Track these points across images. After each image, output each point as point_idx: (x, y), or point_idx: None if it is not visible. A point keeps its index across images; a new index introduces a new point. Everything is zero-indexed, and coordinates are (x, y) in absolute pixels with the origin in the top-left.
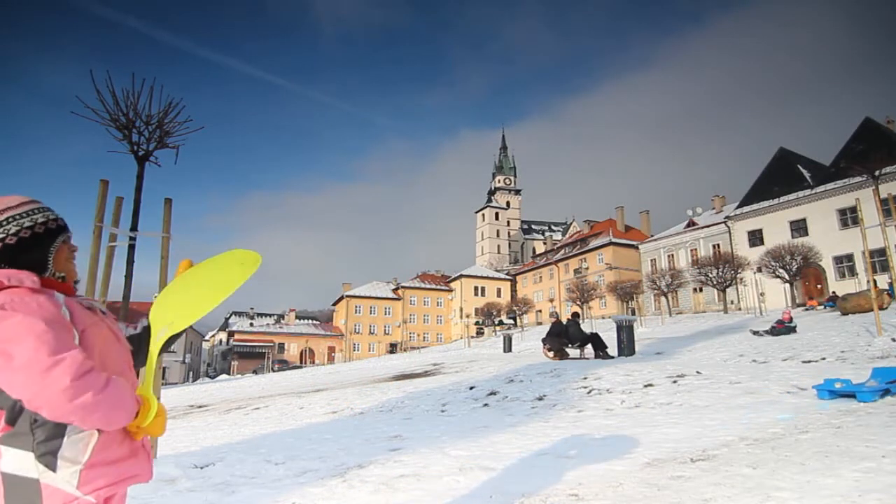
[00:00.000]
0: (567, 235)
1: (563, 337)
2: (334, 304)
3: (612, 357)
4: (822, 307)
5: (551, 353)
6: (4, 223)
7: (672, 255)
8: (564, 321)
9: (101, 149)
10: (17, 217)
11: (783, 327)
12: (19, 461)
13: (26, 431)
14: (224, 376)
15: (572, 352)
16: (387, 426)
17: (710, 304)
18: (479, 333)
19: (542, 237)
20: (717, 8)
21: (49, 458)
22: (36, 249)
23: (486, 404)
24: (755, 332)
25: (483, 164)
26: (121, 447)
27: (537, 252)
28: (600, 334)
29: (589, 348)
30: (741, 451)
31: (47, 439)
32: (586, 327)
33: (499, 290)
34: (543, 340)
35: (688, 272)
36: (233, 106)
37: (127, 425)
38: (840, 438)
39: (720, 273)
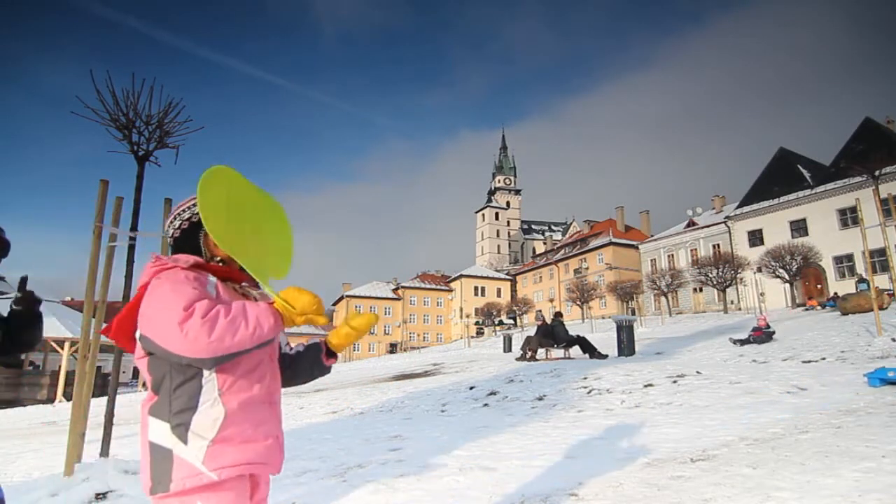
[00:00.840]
0: (567, 235)
1: (550, 338)
2: (334, 304)
3: (606, 356)
4: (822, 307)
5: (528, 355)
6: (174, 220)
7: (672, 255)
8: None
9: (101, 149)
10: (181, 213)
11: (761, 334)
12: (160, 431)
13: (166, 402)
14: None
15: (556, 352)
16: (387, 426)
17: (710, 304)
18: (479, 333)
19: (542, 237)
20: (717, 8)
21: (181, 430)
22: (191, 238)
23: (486, 404)
24: (734, 341)
25: (483, 164)
26: (254, 431)
27: (537, 252)
28: (587, 336)
29: (575, 350)
30: (741, 451)
31: (181, 411)
32: (586, 328)
33: (499, 290)
34: (529, 340)
35: (688, 272)
36: (233, 106)
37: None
38: (840, 438)
39: (720, 273)
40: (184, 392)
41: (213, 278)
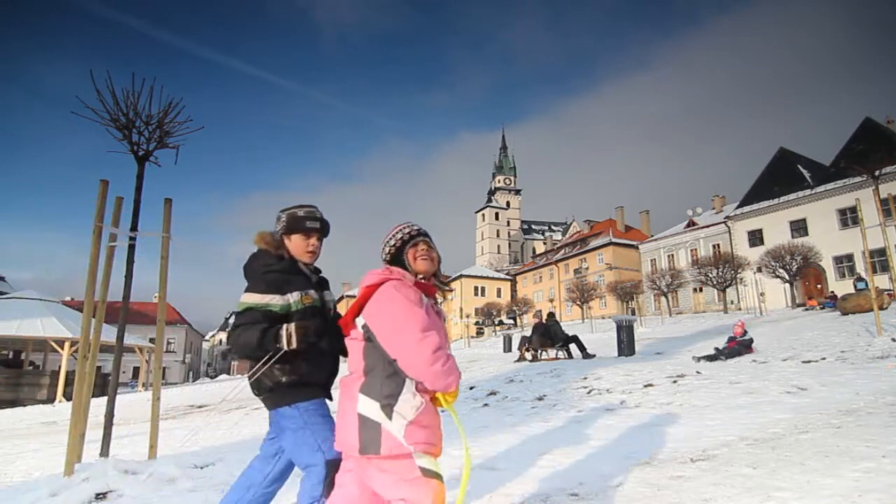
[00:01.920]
0: (567, 235)
1: (547, 337)
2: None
3: (594, 356)
4: (822, 307)
5: (529, 355)
6: (390, 240)
7: (672, 255)
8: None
9: (101, 149)
10: (395, 234)
11: (736, 345)
12: (369, 407)
13: (377, 385)
14: (224, 376)
15: (551, 352)
16: None
17: (710, 304)
18: (479, 333)
19: (542, 237)
20: (717, 8)
21: (388, 409)
22: (398, 258)
23: (486, 404)
24: (698, 359)
25: (483, 164)
26: (433, 419)
27: (537, 252)
28: (586, 336)
29: (575, 350)
30: (741, 451)
31: (389, 395)
32: (586, 328)
33: (499, 290)
34: (525, 340)
35: (688, 272)
36: (233, 106)
37: (444, 393)
38: (840, 438)
39: (720, 273)
40: (392, 381)
41: (424, 297)
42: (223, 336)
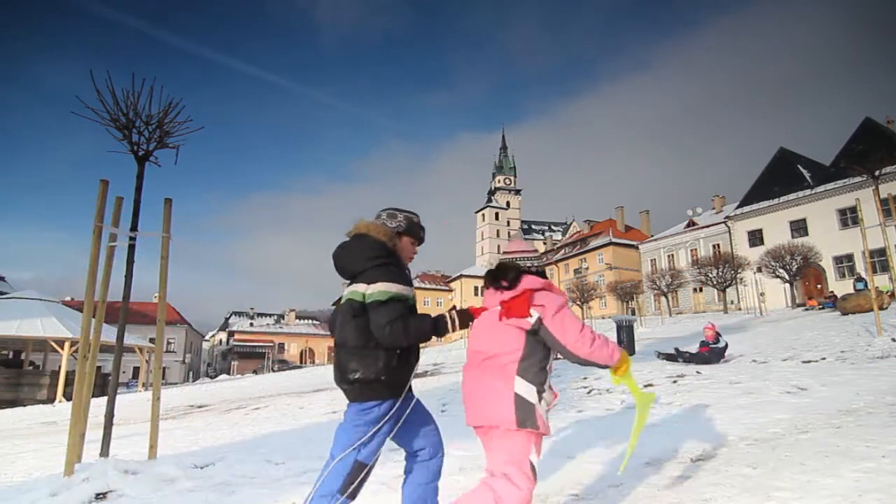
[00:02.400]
0: (567, 235)
1: None
2: (334, 305)
3: None
4: (821, 307)
5: None
6: (521, 260)
7: (672, 255)
8: None
9: (101, 149)
10: (535, 258)
11: (708, 350)
12: (525, 388)
13: (533, 371)
14: (224, 376)
15: None
16: None
17: (710, 304)
18: None
19: (542, 237)
20: (717, 8)
21: (539, 395)
22: (541, 272)
23: None
24: (666, 356)
25: (483, 164)
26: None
27: (537, 252)
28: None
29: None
30: (741, 451)
31: (541, 384)
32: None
33: None
34: None
35: (688, 272)
36: (233, 106)
37: (614, 369)
38: (840, 438)
39: (720, 273)
40: (542, 373)
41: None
42: (223, 336)
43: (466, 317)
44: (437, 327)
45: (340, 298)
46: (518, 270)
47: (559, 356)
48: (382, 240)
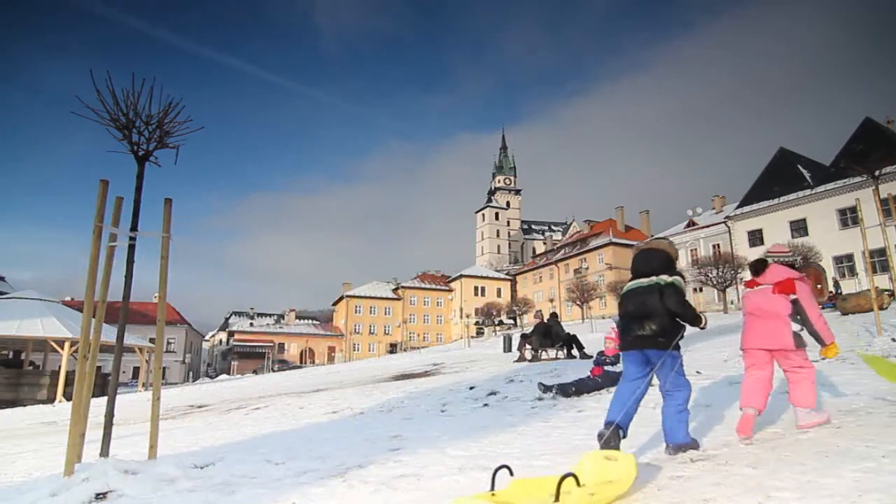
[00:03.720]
0: (567, 235)
1: (547, 337)
2: (334, 304)
3: (591, 357)
4: (822, 308)
5: (529, 354)
6: (780, 257)
7: None
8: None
9: (101, 149)
10: (790, 256)
11: (601, 374)
12: (796, 328)
13: (793, 323)
14: (224, 376)
15: (551, 352)
16: (387, 426)
17: (710, 304)
18: (479, 333)
19: (542, 237)
20: (716, 8)
21: (799, 332)
22: (795, 266)
23: (486, 404)
24: (546, 389)
25: (483, 164)
26: None
27: (537, 252)
28: (585, 336)
29: (565, 349)
30: (741, 451)
31: (799, 329)
32: (586, 328)
33: (499, 290)
34: (524, 337)
35: (688, 272)
36: (233, 106)
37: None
38: (840, 438)
39: (720, 273)
40: (797, 323)
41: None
42: (223, 336)
43: (700, 322)
44: (696, 317)
45: (630, 286)
46: (766, 263)
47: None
48: (672, 256)
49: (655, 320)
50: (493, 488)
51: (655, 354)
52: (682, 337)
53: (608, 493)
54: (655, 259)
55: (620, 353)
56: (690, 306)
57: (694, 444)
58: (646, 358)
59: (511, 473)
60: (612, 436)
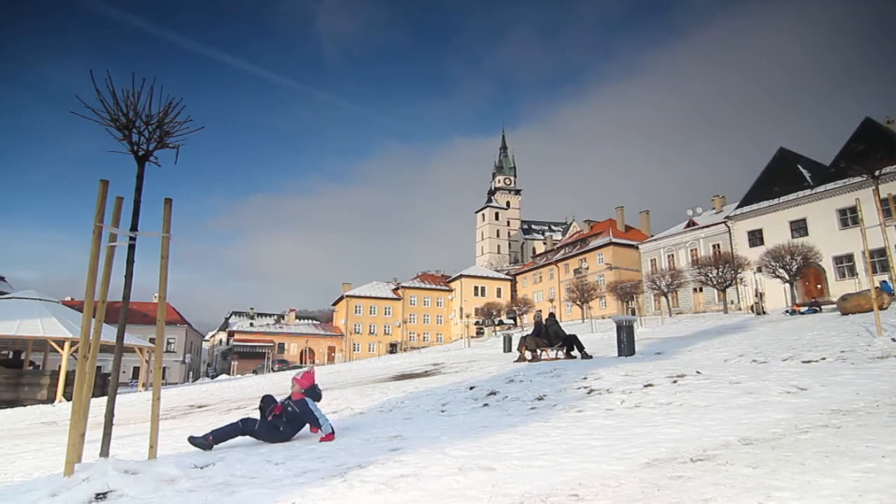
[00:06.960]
0: (567, 235)
1: (546, 337)
2: (334, 304)
3: (591, 357)
4: (802, 312)
5: (528, 355)
6: None
7: (672, 255)
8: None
9: (102, 149)
10: None
11: (274, 419)
12: None
13: None
14: (224, 376)
15: (551, 352)
16: (387, 426)
17: (710, 304)
18: (479, 333)
19: (542, 237)
20: (715, 8)
21: None
22: None
23: (486, 404)
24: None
25: (483, 164)
26: None
27: (537, 252)
28: (585, 336)
29: (564, 349)
30: (741, 451)
31: None
32: (586, 328)
33: (499, 290)
34: (524, 339)
35: (688, 272)
36: (233, 106)
37: None
38: (840, 438)
39: (720, 273)
40: None
41: None
42: (223, 336)
43: None
44: None
45: None
46: None
47: None
48: None
49: None
50: None
51: None
52: None
53: None
54: None
55: (306, 400)
56: None
57: None
58: None
59: None
60: None
